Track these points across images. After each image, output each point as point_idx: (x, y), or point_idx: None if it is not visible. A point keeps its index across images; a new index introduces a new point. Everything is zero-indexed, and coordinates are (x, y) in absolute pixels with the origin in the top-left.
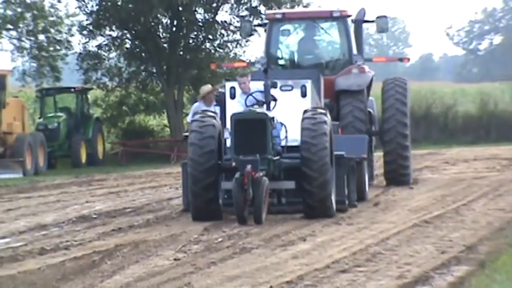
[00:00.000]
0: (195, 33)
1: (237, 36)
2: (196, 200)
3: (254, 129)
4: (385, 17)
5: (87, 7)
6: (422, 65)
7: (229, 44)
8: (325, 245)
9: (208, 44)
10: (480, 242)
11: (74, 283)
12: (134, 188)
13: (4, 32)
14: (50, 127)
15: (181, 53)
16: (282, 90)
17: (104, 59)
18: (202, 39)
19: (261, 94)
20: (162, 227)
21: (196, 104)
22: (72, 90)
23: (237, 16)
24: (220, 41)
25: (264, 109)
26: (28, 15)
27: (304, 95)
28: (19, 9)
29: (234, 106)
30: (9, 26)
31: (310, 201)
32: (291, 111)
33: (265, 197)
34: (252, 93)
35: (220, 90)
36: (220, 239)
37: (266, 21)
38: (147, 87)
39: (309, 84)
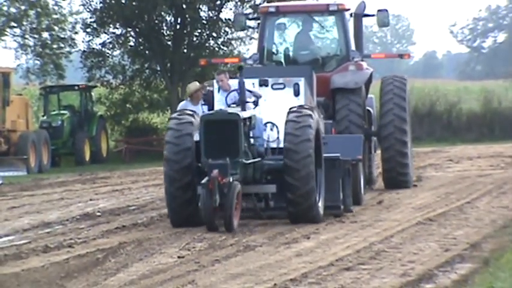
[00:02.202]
0: (199, 30)
1: (241, 33)
2: (173, 201)
3: (225, 131)
4: (385, 10)
5: (91, 5)
6: (426, 63)
7: (233, 42)
8: (328, 242)
9: (212, 42)
10: (484, 240)
11: (77, 281)
12: (138, 185)
13: (8, 30)
14: (54, 125)
15: (185, 50)
16: (273, 88)
17: (108, 57)
18: (206, 36)
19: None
20: (165, 225)
21: (182, 103)
22: (76, 88)
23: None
24: (224, 38)
25: (238, 109)
26: (32, 12)
27: (297, 93)
28: (23, 7)
29: (216, 105)
30: (13, 24)
31: (292, 196)
32: (283, 111)
33: (237, 203)
34: (233, 91)
35: (208, 88)
36: (223, 237)
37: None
38: (151, 84)
39: (302, 82)
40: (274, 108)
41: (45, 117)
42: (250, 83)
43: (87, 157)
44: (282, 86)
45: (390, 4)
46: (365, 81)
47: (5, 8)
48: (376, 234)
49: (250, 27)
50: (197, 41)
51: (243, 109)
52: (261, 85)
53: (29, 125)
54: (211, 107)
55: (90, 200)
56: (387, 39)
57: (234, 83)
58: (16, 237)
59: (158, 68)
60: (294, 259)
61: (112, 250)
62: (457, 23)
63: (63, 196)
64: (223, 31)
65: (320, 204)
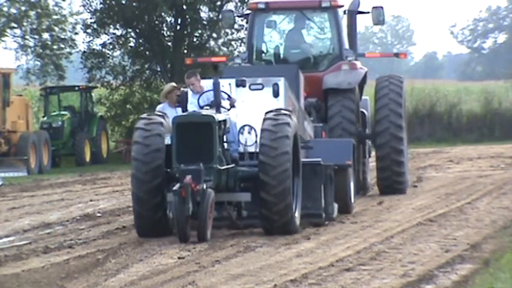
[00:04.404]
0: (199, 31)
1: (241, 34)
2: (142, 221)
3: (199, 134)
4: (381, 7)
5: (91, 5)
6: (427, 64)
7: (233, 42)
8: (329, 243)
9: (212, 43)
10: (484, 241)
11: (78, 281)
12: None
13: (8, 31)
14: (54, 126)
15: (185, 51)
16: (251, 89)
17: (108, 58)
18: (206, 37)
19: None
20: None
21: (160, 106)
22: (77, 88)
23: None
24: (224, 39)
25: (212, 111)
26: (32, 13)
27: (276, 94)
28: (23, 8)
29: (188, 107)
30: (14, 25)
31: (267, 213)
32: (261, 113)
33: (210, 211)
34: (205, 92)
35: (182, 89)
36: (224, 238)
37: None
38: (151, 85)
39: (281, 82)
40: (252, 110)
41: (45, 118)
42: (227, 84)
43: (88, 158)
44: (260, 87)
45: (390, 5)
46: (359, 82)
47: (5, 9)
48: (377, 235)
49: None
50: (197, 42)
51: (218, 111)
52: (238, 85)
53: (29, 125)
54: (185, 109)
55: (91, 200)
56: (387, 39)
57: (207, 84)
58: (16, 238)
59: (158, 69)
60: (294, 260)
61: (112, 251)
62: (458, 23)
63: (64, 197)
64: (223, 32)
65: (296, 214)
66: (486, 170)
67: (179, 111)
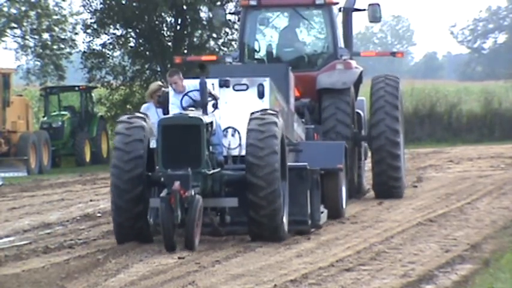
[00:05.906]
0: (199, 31)
1: None
2: (120, 216)
3: (186, 137)
4: (377, 4)
5: (91, 6)
6: (427, 64)
7: (233, 43)
8: (329, 243)
9: (212, 43)
10: (484, 241)
11: (78, 281)
12: None
13: (8, 31)
14: (54, 126)
15: (185, 51)
16: (235, 89)
17: (108, 58)
18: (206, 37)
19: (198, 93)
20: None
21: (145, 105)
22: (77, 88)
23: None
24: (224, 39)
25: (199, 112)
26: (32, 13)
27: (261, 95)
28: (23, 8)
29: (170, 108)
30: (14, 25)
31: (255, 216)
32: (245, 115)
33: (199, 219)
34: (188, 92)
35: (163, 89)
36: (224, 238)
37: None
38: None
39: (267, 82)
40: (235, 111)
41: (45, 118)
42: (210, 84)
43: (88, 158)
44: (244, 87)
45: (390, 5)
46: (354, 81)
47: (5, 9)
48: (377, 235)
49: None
50: (197, 42)
51: (205, 113)
52: (221, 86)
53: (30, 125)
54: (167, 110)
55: (91, 200)
56: (387, 40)
57: (189, 84)
58: (16, 238)
59: (158, 69)
60: (295, 260)
61: (112, 251)
62: (458, 23)
63: (64, 197)
64: (223, 32)
65: (284, 220)
66: (486, 170)
67: (160, 111)
